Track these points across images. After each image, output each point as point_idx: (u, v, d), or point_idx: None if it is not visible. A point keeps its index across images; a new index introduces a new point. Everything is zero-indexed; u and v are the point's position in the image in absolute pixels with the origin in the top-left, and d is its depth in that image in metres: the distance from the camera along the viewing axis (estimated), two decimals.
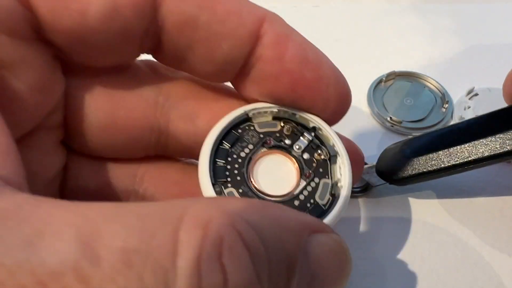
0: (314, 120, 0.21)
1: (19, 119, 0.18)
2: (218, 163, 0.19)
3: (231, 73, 0.20)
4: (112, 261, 0.11)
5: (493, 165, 0.30)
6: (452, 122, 0.32)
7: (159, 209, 0.13)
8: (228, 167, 0.19)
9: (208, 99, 0.21)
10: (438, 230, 0.27)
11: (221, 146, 0.19)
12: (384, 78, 0.34)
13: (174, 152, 0.22)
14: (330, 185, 0.20)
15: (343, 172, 0.20)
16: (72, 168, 0.21)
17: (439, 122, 0.32)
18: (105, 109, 0.20)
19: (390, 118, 0.32)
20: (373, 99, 0.33)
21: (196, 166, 0.19)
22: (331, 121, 0.21)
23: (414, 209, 0.28)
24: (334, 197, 0.19)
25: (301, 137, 0.21)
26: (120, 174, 0.22)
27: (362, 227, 0.27)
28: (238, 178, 0.19)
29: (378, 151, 0.30)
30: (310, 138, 0.21)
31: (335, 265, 0.17)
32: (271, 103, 0.21)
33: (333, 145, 0.21)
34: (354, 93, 0.34)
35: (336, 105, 0.20)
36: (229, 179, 0.19)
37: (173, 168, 0.23)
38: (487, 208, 0.28)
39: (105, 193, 0.22)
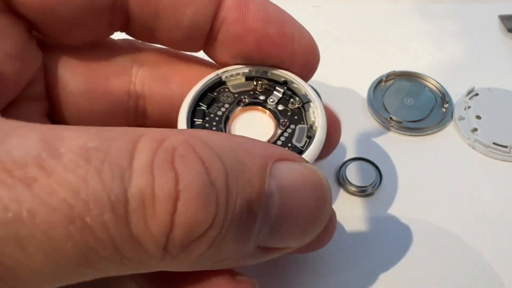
0: (285, 75, 0.22)
1: (1, 87, 0.18)
2: (196, 122, 0.20)
3: (200, 40, 0.21)
4: (72, 156, 0.13)
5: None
6: (452, 122, 0.32)
7: (121, 128, 0.14)
8: (206, 125, 0.20)
9: (181, 65, 0.23)
10: (438, 230, 0.27)
11: (198, 108, 0.21)
12: (384, 78, 0.34)
13: (153, 119, 0.23)
14: (306, 129, 0.21)
15: (317, 115, 0.21)
16: None
17: (439, 122, 0.32)
18: (84, 78, 0.21)
19: (390, 118, 0.32)
20: (373, 99, 0.33)
21: None
22: (303, 76, 0.22)
23: (414, 209, 0.28)
24: (311, 139, 0.20)
25: (274, 92, 0.22)
26: None
27: (363, 227, 0.27)
28: None
29: (378, 151, 0.31)
30: (283, 91, 0.22)
31: (310, 193, 0.16)
32: (243, 64, 0.22)
33: (306, 94, 0.22)
34: (354, 93, 0.34)
35: (303, 59, 0.22)
36: None
37: None
38: (487, 208, 0.28)
39: None
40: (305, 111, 0.21)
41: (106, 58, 0.22)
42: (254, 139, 0.17)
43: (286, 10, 0.40)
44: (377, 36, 0.38)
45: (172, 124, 0.22)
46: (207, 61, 0.23)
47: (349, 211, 0.28)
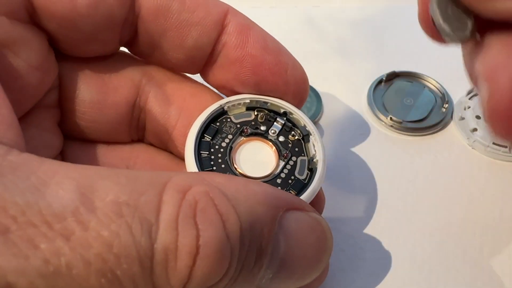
0: (285, 106, 0.23)
1: (22, 96, 0.20)
2: (202, 154, 0.21)
3: (201, 61, 0.22)
4: (106, 210, 0.13)
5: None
6: (452, 122, 0.32)
7: (147, 175, 0.15)
8: (212, 157, 0.21)
9: (185, 89, 0.23)
10: (438, 230, 0.27)
11: (203, 139, 0.21)
12: (384, 78, 0.34)
13: (150, 135, 0.24)
14: (307, 161, 0.22)
15: (317, 148, 0.22)
16: (68, 153, 0.23)
17: (439, 122, 0.32)
18: (95, 87, 0.22)
19: (390, 118, 0.32)
20: (373, 99, 0.33)
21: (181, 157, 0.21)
22: (294, 105, 0.23)
23: (414, 209, 0.28)
24: (312, 171, 0.21)
25: (274, 123, 0.23)
26: (113, 158, 0.24)
27: (363, 227, 0.27)
28: (223, 166, 0.21)
29: (379, 152, 0.30)
30: (283, 122, 0.23)
31: (313, 243, 0.18)
32: (239, 89, 0.23)
33: (305, 126, 0.22)
34: (354, 93, 0.34)
35: (295, 88, 0.23)
36: (214, 168, 0.21)
37: (163, 155, 0.24)
38: (487, 208, 0.28)
39: None
40: (305, 143, 0.22)
41: (117, 68, 0.23)
42: (266, 185, 0.18)
43: (287, 10, 0.40)
44: (377, 36, 0.38)
45: (165, 144, 0.24)
46: (209, 90, 0.24)
47: (349, 211, 0.28)
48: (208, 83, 0.24)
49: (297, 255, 0.17)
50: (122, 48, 0.23)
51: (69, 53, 0.22)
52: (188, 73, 0.24)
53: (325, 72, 0.35)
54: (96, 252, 0.13)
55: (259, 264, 0.16)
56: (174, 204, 0.14)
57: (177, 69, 0.23)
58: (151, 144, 0.25)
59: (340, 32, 0.38)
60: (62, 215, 0.13)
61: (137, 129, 0.24)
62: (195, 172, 0.20)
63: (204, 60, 0.22)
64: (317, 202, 0.23)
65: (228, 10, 0.22)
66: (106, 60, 0.23)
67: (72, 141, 0.23)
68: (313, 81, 0.34)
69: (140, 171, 0.16)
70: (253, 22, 0.22)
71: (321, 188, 0.22)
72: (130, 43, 0.22)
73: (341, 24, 0.39)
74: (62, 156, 0.23)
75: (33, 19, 0.19)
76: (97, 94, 0.22)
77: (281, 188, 0.21)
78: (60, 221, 0.13)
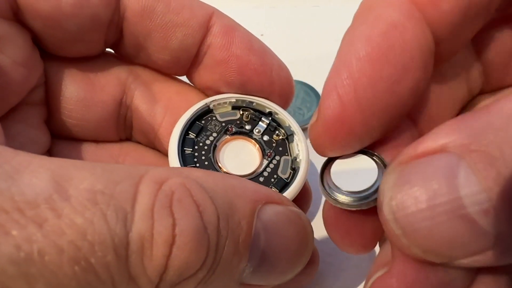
0: (270, 106, 0.23)
1: (6, 92, 0.20)
2: (186, 151, 0.21)
3: (186, 62, 0.22)
4: (80, 198, 0.13)
5: None
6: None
7: (124, 167, 0.15)
8: (196, 154, 0.21)
9: (171, 89, 0.23)
10: None
11: (187, 136, 0.21)
12: None
13: (137, 133, 0.24)
14: (290, 160, 0.22)
15: (300, 148, 0.22)
16: (56, 151, 0.23)
17: None
18: (82, 86, 0.22)
19: None
20: None
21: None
22: (280, 106, 0.23)
23: None
24: (295, 171, 0.21)
25: (259, 122, 0.23)
26: (101, 157, 0.24)
27: None
28: (206, 163, 0.21)
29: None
30: (268, 122, 0.23)
31: (293, 236, 0.17)
32: (224, 90, 0.23)
33: (289, 126, 0.22)
34: None
35: (281, 89, 0.23)
36: (197, 165, 0.21)
37: (151, 153, 0.25)
38: None
39: None
40: (289, 143, 0.22)
41: (104, 68, 0.23)
42: (246, 180, 0.18)
43: (286, 10, 0.40)
44: None
45: (152, 142, 0.24)
46: (195, 90, 0.24)
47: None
48: (194, 84, 0.24)
49: (277, 248, 0.17)
50: (109, 51, 0.23)
51: (55, 53, 0.22)
52: (174, 74, 0.24)
53: (325, 72, 0.35)
54: (69, 239, 0.13)
55: (238, 257, 0.16)
56: (150, 193, 0.14)
57: (163, 71, 0.23)
58: (139, 143, 0.25)
59: (340, 32, 0.38)
60: (35, 202, 0.13)
61: (124, 128, 0.24)
62: (174, 167, 0.20)
63: (190, 62, 0.22)
64: (304, 197, 0.23)
65: (213, 12, 0.22)
66: (92, 60, 0.23)
67: (61, 140, 0.23)
68: (313, 81, 0.34)
69: (117, 164, 0.16)
70: (238, 23, 0.23)
71: (307, 182, 0.22)
72: (116, 45, 0.22)
73: (341, 24, 0.39)
74: (49, 154, 0.23)
75: (17, 16, 0.20)
76: (83, 92, 0.22)
77: None
78: (33, 208, 0.13)
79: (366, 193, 0.17)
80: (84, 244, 0.13)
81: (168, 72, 0.24)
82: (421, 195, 0.14)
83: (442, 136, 0.14)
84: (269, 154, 0.22)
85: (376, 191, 0.16)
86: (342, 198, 0.17)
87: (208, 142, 0.22)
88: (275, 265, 0.17)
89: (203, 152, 0.21)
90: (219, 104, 0.23)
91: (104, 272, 0.13)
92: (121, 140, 0.25)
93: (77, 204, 0.13)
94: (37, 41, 0.21)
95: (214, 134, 0.22)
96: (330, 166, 0.18)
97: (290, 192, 0.20)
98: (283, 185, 0.21)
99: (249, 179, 0.21)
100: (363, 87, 0.16)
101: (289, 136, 0.22)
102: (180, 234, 0.14)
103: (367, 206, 0.17)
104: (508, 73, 0.19)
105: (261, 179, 0.21)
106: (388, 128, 0.17)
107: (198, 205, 0.15)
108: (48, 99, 0.22)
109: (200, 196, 0.15)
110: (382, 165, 0.17)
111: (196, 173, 0.16)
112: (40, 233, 0.13)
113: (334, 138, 0.17)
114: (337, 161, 0.18)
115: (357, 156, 0.18)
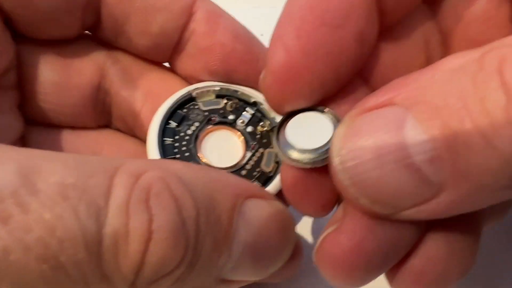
0: (256, 96, 0.22)
1: None
2: (166, 141, 0.20)
3: (167, 49, 0.22)
4: (49, 192, 0.12)
5: None
6: None
7: (98, 159, 0.14)
8: (176, 144, 0.20)
9: (151, 74, 0.22)
10: None
11: (168, 126, 0.21)
12: None
13: (117, 119, 0.23)
14: (274, 153, 0.21)
15: None
16: (31, 138, 0.22)
17: None
18: (57, 69, 0.21)
19: None
20: None
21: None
22: None
23: None
24: (279, 164, 0.20)
25: (244, 112, 0.22)
26: (78, 144, 0.23)
27: None
28: (187, 154, 0.20)
29: None
30: (253, 112, 0.22)
31: (275, 231, 0.17)
32: (208, 79, 0.22)
33: (274, 117, 0.21)
34: None
35: None
36: (178, 156, 0.20)
37: (131, 141, 0.24)
38: None
39: None
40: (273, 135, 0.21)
41: (81, 52, 0.22)
42: (227, 173, 0.17)
43: None
44: None
45: (131, 129, 0.23)
46: (178, 77, 0.23)
47: None
48: (177, 72, 0.23)
49: (258, 243, 0.16)
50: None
51: (28, 34, 0.21)
52: (156, 60, 0.23)
53: None
54: (36, 236, 0.12)
55: (218, 253, 0.15)
56: (126, 187, 0.13)
57: (144, 56, 0.22)
58: (119, 130, 0.24)
59: None
60: None
61: (103, 114, 0.23)
62: (152, 159, 0.19)
63: (171, 48, 0.22)
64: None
65: None
66: (69, 43, 0.22)
67: (36, 126, 0.22)
68: None
69: (91, 155, 0.15)
70: (222, 10, 0.22)
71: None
72: (93, 28, 0.22)
73: None
74: (23, 141, 0.22)
75: None
76: (59, 76, 0.21)
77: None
78: None
79: (321, 150, 0.16)
80: (53, 241, 0.12)
81: (149, 58, 0.23)
82: (369, 145, 0.14)
83: (390, 91, 0.14)
84: (252, 146, 0.21)
85: None
86: (296, 155, 0.17)
87: (189, 132, 0.21)
88: (257, 260, 0.17)
89: (184, 143, 0.20)
90: (202, 92, 0.22)
91: (75, 270, 0.13)
92: (99, 127, 0.23)
93: (46, 198, 0.12)
94: (8, 22, 0.20)
95: (196, 124, 0.21)
96: (286, 125, 0.17)
97: (273, 186, 0.20)
98: (266, 179, 0.20)
99: (231, 171, 0.20)
100: (306, 33, 0.16)
101: (274, 128, 0.21)
102: (157, 229, 0.13)
103: (322, 164, 0.16)
104: (461, 44, 0.19)
105: (243, 172, 0.20)
106: (339, 80, 0.17)
107: (176, 200, 0.14)
108: (21, 83, 0.21)
109: (179, 190, 0.14)
110: (337, 123, 0.16)
111: (175, 166, 0.15)
112: (5, 230, 0.12)
113: (284, 88, 0.16)
114: (293, 120, 0.17)
115: (312, 113, 0.17)
